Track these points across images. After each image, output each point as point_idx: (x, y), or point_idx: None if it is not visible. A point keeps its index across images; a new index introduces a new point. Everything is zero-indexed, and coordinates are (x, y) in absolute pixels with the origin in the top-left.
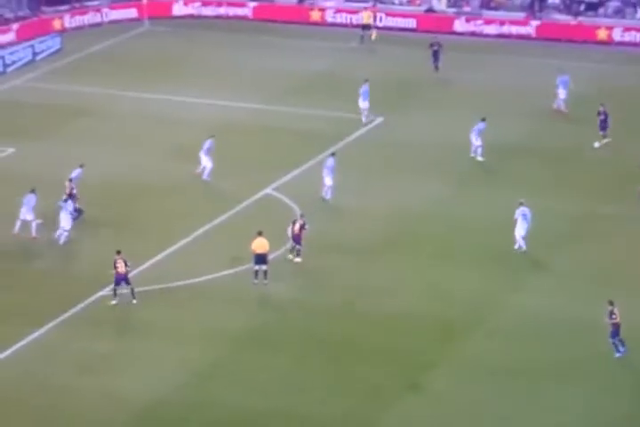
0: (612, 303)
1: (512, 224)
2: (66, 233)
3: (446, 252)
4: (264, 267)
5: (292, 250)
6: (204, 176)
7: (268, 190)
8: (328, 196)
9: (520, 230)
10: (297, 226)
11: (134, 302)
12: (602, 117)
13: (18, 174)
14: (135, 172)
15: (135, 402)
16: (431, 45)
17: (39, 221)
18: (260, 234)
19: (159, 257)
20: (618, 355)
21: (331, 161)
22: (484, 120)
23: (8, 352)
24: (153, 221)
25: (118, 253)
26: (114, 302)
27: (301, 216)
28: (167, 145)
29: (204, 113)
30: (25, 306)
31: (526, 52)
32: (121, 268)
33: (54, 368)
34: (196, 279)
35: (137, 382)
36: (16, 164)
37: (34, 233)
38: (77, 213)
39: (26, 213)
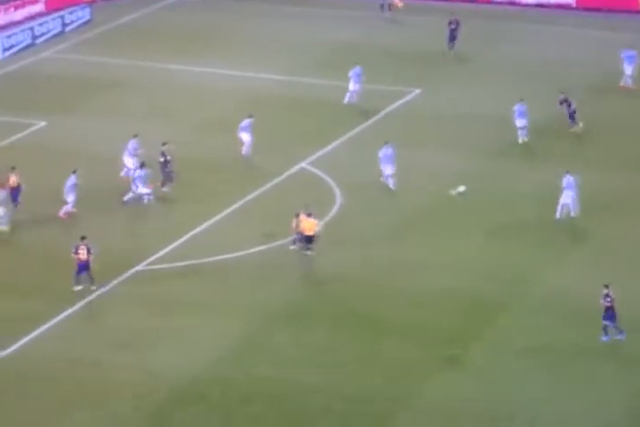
0: (607, 286)
1: (550, 198)
2: (149, 196)
3: (482, 226)
4: (310, 246)
5: (294, 241)
6: (244, 152)
7: (303, 165)
8: (391, 185)
9: (566, 198)
10: (301, 216)
11: (93, 288)
12: (567, 106)
13: (50, 148)
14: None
15: (171, 378)
16: (449, 24)
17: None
18: (309, 215)
19: (193, 232)
20: (605, 339)
21: (389, 150)
22: (522, 101)
23: (42, 329)
24: (185, 196)
25: (82, 238)
26: (78, 288)
27: (307, 207)
28: (197, 118)
29: (235, 85)
30: (59, 282)
31: (566, 22)
32: (83, 255)
33: (89, 345)
34: (232, 255)
35: (173, 357)
36: (48, 138)
37: (61, 213)
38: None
39: (67, 195)
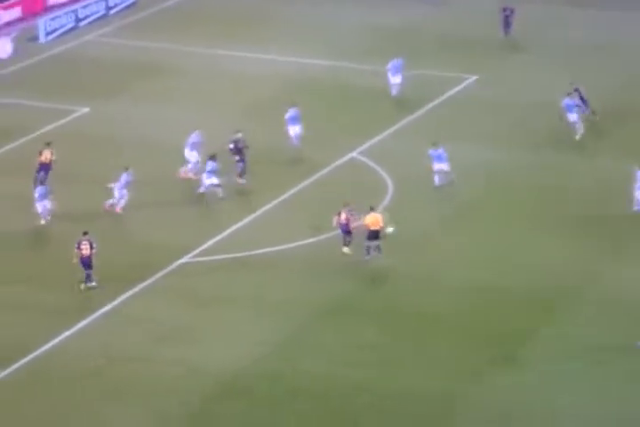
0: None
1: (610, 192)
2: (219, 188)
3: (539, 219)
4: (377, 242)
5: (346, 242)
6: (294, 143)
7: (354, 154)
8: (437, 182)
9: None
10: (343, 216)
11: (87, 285)
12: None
13: (93, 136)
14: (211, 133)
15: (217, 373)
16: (503, 10)
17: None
18: (372, 209)
19: (240, 224)
20: None
21: (438, 151)
22: (569, 95)
23: (84, 323)
24: (232, 186)
25: (85, 233)
26: (93, 284)
27: (346, 205)
28: (241, 104)
29: (280, 70)
30: (101, 275)
31: (623, 6)
32: (85, 250)
33: (132, 339)
34: (279, 247)
35: (218, 352)
36: (91, 124)
37: (117, 208)
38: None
39: (120, 190)
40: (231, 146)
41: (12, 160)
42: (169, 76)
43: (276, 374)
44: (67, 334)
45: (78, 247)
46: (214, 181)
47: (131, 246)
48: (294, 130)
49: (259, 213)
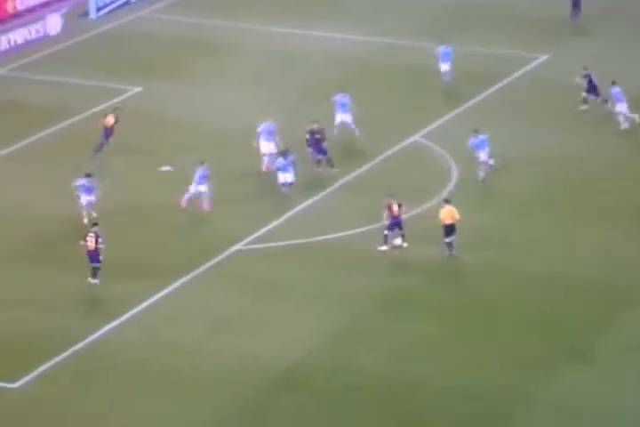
0: None
1: None
2: (289, 188)
3: (612, 208)
4: (454, 237)
5: (385, 239)
6: (336, 131)
7: (417, 137)
8: (483, 173)
9: None
10: (395, 207)
11: (90, 281)
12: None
13: (147, 116)
14: (268, 113)
15: (272, 364)
16: None
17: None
18: (447, 202)
19: (296, 210)
20: None
21: (479, 138)
22: (614, 83)
23: (137, 310)
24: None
25: (94, 225)
26: (95, 282)
27: (391, 196)
28: (299, 85)
29: (340, 49)
30: (154, 261)
31: None
32: (91, 242)
33: (186, 327)
34: (337, 234)
35: (273, 343)
36: (143, 105)
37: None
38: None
39: (197, 186)
40: (307, 136)
41: (60, 141)
42: (223, 55)
43: (333, 367)
44: (118, 321)
45: (84, 239)
46: (288, 178)
47: (183, 234)
48: (341, 119)
49: (316, 198)
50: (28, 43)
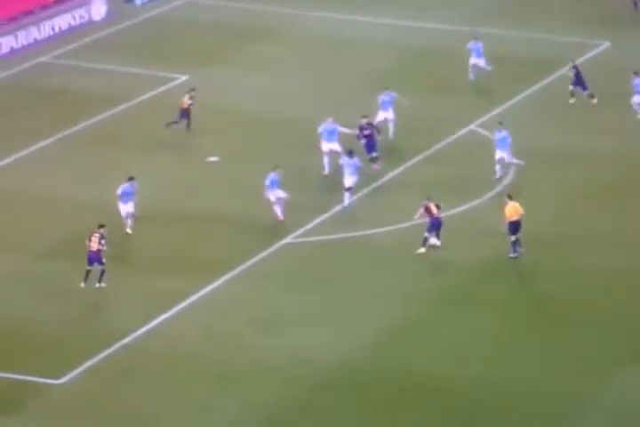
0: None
1: None
2: (347, 193)
3: None
4: (519, 235)
5: (425, 241)
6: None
7: (473, 127)
8: (498, 173)
9: None
10: (434, 209)
11: (99, 285)
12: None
13: (194, 106)
14: (320, 104)
15: (321, 362)
16: None
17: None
18: (510, 197)
19: (344, 203)
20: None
21: (502, 134)
22: (636, 73)
23: (184, 305)
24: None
25: (100, 226)
26: (82, 285)
27: (429, 198)
28: (354, 74)
29: (394, 36)
30: (202, 256)
31: None
32: (94, 243)
33: (232, 324)
34: (389, 227)
35: (323, 339)
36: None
37: (279, 214)
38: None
39: (274, 193)
40: (357, 132)
41: (107, 131)
42: (270, 41)
43: (387, 366)
44: (164, 317)
45: (89, 239)
46: (349, 182)
47: (231, 227)
48: (386, 115)
49: (368, 189)
50: (72, 29)
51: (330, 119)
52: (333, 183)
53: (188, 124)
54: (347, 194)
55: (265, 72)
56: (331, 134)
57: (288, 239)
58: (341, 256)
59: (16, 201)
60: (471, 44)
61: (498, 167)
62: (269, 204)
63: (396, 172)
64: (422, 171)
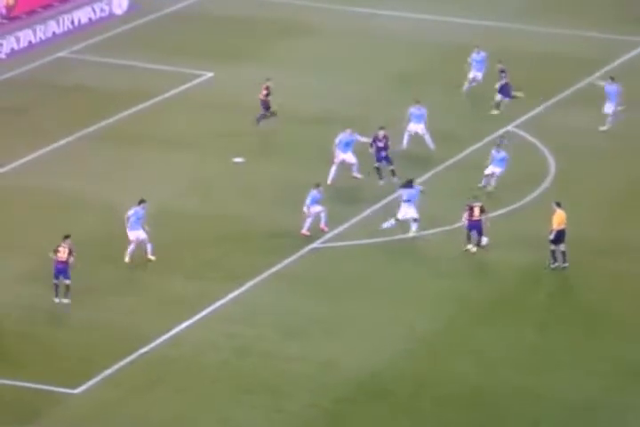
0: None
1: None
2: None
3: None
4: (563, 246)
5: (469, 239)
6: (404, 144)
7: (510, 127)
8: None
9: None
10: (476, 211)
11: (64, 301)
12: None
13: (219, 105)
14: (351, 104)
15: (351, 371)
16: None
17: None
18: (558, 205)
19: (378, 205)
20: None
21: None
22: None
23: (206, 311)
24: (371, 164)
25: (66, 237)
26: (57, 301)
27: (475, 198)
28: (387, 72)
29: (431, 32)
30: (227, 261)
31: None
32: (63, 253)
33: (258, 331)
34: (424, 232)
35: (353, 348)
36: (216, 92)
37: (323, 225)
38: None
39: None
40: (371, 142)
41: (126, 129)
42: (302, 38)
43: (420, 376)
44: (188, 323)
45: (56, 250)
46: (409, 213)
47: (256, 231)
48: (416, 128)
49: (397, 194)
50: (91, 23)
51: (348, 130)
52: (366, 186)
53: (260, 118)
54: (414, 225)
55: (294, 69)
56: (347, 145)
57: (315, 244)
58: (370, 262)
59: (33, 201)
60: (474, 55)
61: (486, 180)
62: (304, 216)
63: (426, 176)
64: (451, 176)
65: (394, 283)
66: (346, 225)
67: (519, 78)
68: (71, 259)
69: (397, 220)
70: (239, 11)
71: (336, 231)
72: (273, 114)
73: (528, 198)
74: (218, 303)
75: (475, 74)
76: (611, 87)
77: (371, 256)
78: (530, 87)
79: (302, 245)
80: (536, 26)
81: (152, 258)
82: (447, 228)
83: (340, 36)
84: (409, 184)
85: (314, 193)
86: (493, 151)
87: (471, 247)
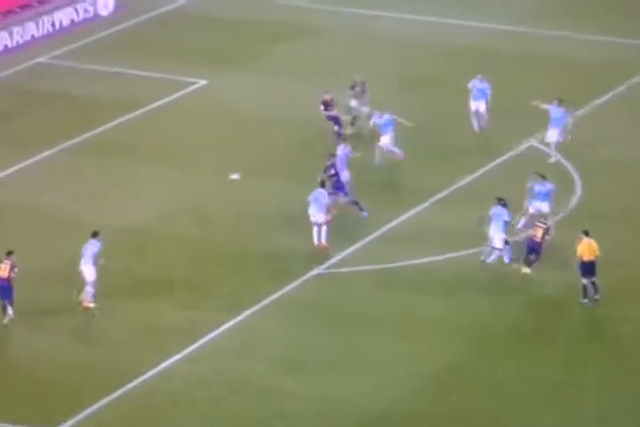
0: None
1: None
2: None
3: None
4: (593, 278)
5: (525, 259)
6: (475, 124)
7: (533, 142)
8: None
9: None
10: (540, 231)
11: (5, 320)
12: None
13: (211, 115)
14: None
15: (356, 410)
16: None
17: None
18: (586, 234)
19: (387, 227)
20: None
21: (545, 187)
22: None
23: (201, 343)
24: (378, 180)
25: (8, 253)
26: (5, 322)
27: (545, 219)
28: (394, 78)
29: (442, 35)
30: (222, 287)
31: None
32: (4, 271)
33: (256, 364)
34: (434, 258)
35: (359, 383)
36: (209, 100)
37: (323, 240)
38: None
39: (316, 214)
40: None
41: (112, 141)
42: (301, 41)
43: (431, 415)
44: (178, 356)
45: None
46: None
47: (253, 255)
48: (478, 106)
49: (409, 214)
50: (74, 25)
51: (343, 145)
52: (376, 202)
53: (337, 132)
54: (507, 248)
55: (295, 76)
56: (340, 161)
57: (318, 270)
58: (378, 290)
59: (12, 219)
60: (475, 82)
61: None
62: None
63: (446, 192)
64: (473, 191)
65: (403, 312)
66: (352, 249)
67: (544, 89)
68: (13, 275)
69: (507, 243)
70: (236, 12)
71: (342, 255)
72: (354, 120)
73: (552, 222)
74: (211, 334)
75: (476, 105)
76: (556, 111)
77: (380, 283)
78: (551, 96)
79: (304, 270)
80: (566, 31)
81: (90, 306)
82: (462, 253)
83: (344, 38)
84: (501, 203)
85: (319, 194)
86: (536, 185)
87: (527, 270)
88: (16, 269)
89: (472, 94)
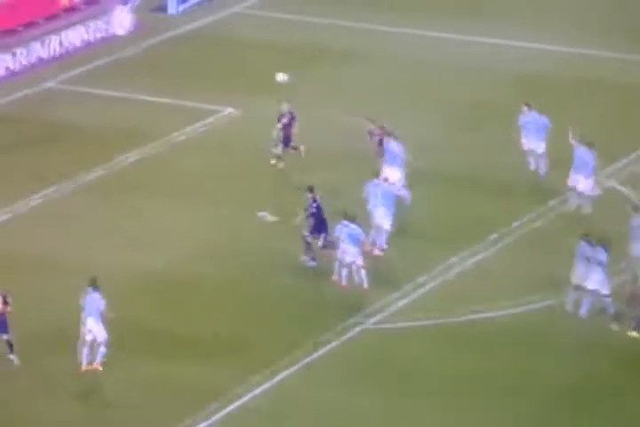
0: None
1: None
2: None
3: None
4: None
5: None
6: (537, 168)
7: (609, 182)
8: None
9: None
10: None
11: (11, 357)
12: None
13: (239, 146)
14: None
15: None
16: None
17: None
18: None
19: (444, 277)
20: None
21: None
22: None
23: (228, 410)
24: (435, 224)
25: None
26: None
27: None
28: (456, 106)
29: (504, 59)
30: (256, 342)
31: None
32: None
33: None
34: (496, 313)
35: None
36: (237, 131)
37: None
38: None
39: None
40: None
41: (127, 176)
42: (338, 64)
43: None
44: (207, 424)
45: None
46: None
47: (290, 306)
48: (540, 149)
49: (471, 261)
50: (86, 45)
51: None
52: (430, 249)
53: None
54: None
55: (331, 103)
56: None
57: (366, 324)
58: (434, 347)
59: (14, 266)
60: (525, 116)
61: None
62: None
63: (513, 230)
64: (536, 234)
65: (465, 373)
66: (405, 301)
67: (618, 119)
68: (8, 308)
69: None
70: (266, 32)
71: (394, 307)
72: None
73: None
74: (243, 398)
75: (530, 145)
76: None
77: (438, 339)
78: (626, 129)
79: (351, 324)
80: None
81: (100, 368)
82: (533, 306)
83: (385, 63)
84: (587, 240)
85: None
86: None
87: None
88: (9, 300)
89: (526, 130)
